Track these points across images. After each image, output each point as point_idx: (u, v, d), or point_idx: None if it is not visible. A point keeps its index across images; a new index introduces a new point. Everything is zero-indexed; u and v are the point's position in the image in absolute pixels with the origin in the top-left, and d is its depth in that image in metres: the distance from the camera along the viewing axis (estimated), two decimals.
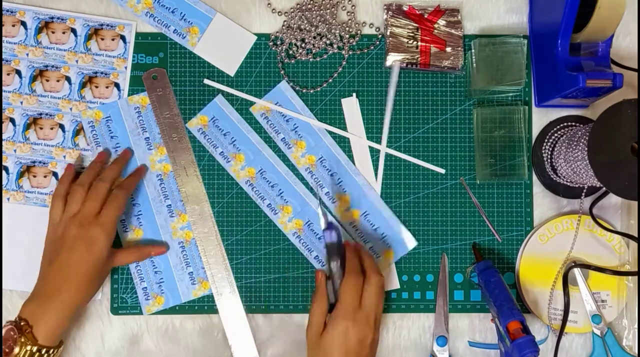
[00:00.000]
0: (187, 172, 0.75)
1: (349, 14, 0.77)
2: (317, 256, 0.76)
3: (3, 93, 0.75)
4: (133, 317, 0.76)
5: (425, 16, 0.76)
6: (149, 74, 0.76)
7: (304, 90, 0.77)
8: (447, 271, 0.76)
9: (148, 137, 0.75)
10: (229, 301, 0.75)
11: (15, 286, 0.75)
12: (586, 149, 0.64)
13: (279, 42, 0.77)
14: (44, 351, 0.65)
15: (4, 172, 0.75)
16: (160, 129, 0.75)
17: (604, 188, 0.69)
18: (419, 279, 0.76)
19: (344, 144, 0.77)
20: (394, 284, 0.76)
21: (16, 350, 0.63)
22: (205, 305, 0.76)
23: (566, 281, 0.73)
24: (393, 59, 0.75)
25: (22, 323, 0.65)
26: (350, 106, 0.77)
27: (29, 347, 0.64)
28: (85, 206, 0.69)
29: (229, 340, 0.74)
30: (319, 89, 0.77)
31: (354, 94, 0.77)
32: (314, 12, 0.76)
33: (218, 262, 0.75)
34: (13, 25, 0.75)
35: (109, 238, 0.69)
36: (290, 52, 0.77)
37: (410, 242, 0.76)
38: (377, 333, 0.66)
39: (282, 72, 0.76)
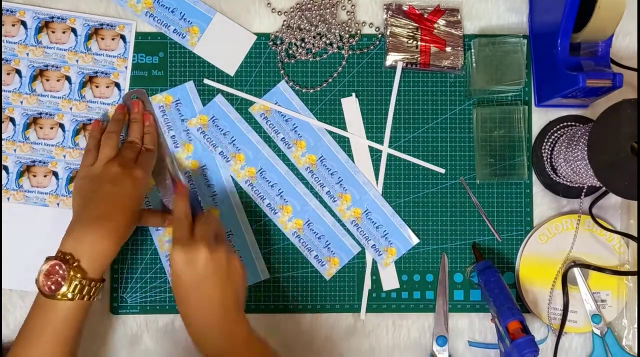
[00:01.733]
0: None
1: (349, 14, 0.77)
2: (317, 255, 0.76)
3: (3, 93, 0.75)
4: (133, 317, 0.76)
5: (425, 16, 0.76)
6: (129, 95, 0.76)
7: (304, 90, 0.77)
8: (447, 271, 0.76)
9: (174, 136, 0.76)
10: None
11: (15, 286, 0.75)
12: (586, 149, 0.64)
13: (279, 42, 0.77)
14: (92, 284, 0.62)
15: (4, 172, 0.75)
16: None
17: (604, 188, 0.69)
18: (419, 279, 0.76)
19: (344, 143, 0.77)
20: (394, 284, 0.76)
21: (64, 289, 0.61)
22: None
23: (565, 281, 0.73)
24: (393, 59, 0.75)
25: (67, 257, 0.62)
26: (350, 106, 0.77)
27: (77, 282, 0.61)
28: (124, 154, 0.69)
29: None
30: (319, 89, 0.77)
31: (354, 94, 0.77)
32: (314, 12, 0.76)
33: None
34: (13, 25, 0.75)
35: (147, 185, 0.70)
36: (290, 52, 0.77)
37: (413, 239, 0.76)
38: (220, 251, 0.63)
39: (282, 72, 0.77)
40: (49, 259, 0.62)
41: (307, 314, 0.76)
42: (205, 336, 0.63)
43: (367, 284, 0.76)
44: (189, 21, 0.76)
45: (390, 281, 0.76)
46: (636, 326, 0.75)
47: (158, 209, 0.75)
